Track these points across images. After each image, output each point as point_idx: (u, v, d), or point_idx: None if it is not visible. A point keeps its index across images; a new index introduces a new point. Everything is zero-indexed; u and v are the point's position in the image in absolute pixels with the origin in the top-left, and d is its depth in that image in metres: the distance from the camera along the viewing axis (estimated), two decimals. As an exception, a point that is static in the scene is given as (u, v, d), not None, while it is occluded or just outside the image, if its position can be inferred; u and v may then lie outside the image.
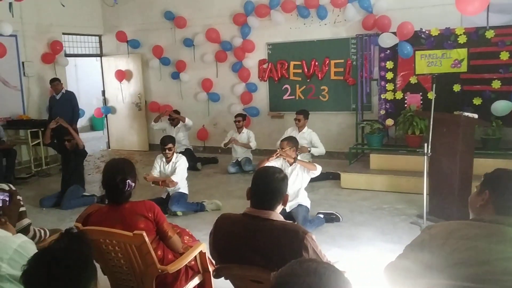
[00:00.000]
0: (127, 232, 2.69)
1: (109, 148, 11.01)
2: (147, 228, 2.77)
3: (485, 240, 1.89)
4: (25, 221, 3.11)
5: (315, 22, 8.44)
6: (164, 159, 5.92)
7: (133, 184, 2.83)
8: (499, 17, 6.91)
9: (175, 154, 5.96)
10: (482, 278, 1.83)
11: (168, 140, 5.92)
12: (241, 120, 8.11)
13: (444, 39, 6.86)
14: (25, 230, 3.04)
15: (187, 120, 8.41)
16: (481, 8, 3.95)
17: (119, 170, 2.83)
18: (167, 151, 5.82)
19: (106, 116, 10.98)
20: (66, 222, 5.59)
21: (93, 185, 7.27)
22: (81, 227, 2.78)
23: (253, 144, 7.95)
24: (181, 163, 5.88)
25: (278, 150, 5.20)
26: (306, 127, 7.31)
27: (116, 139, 10.94)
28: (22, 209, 3.08)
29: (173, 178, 5.76)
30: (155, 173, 5.94)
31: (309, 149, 7.03)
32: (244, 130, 8.15)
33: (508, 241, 1.87)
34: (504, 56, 6.53)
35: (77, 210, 5.69)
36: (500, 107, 6.51)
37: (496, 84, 6.63)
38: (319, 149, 7.09)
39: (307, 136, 7.24)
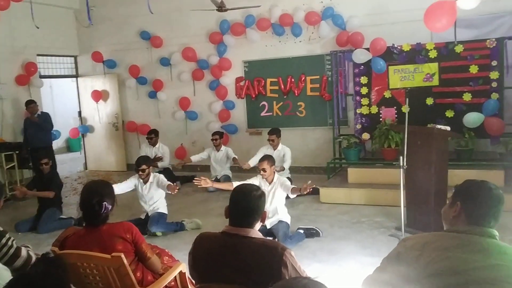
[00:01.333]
0: (105, 254, 2.66)
1: (87, 169, 10.86)
2: (126, 250, 2.74)
3: (459, 250, 1.93)
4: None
5: (290, 40, 8.58)
6: (141, 180, 5.86)
7: (110, 207, 2.81)
8: (467, 32, 7.16)
9: (152, 174, 5.90)
10: (458, 288, 1.87)
11: (142, 161, 5.81)
12: (218, 138, 8.14)
13: (416, 54, 7.04)
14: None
15: (162, 163, 8.41)
16: (448, 25, 4.09)
17: (96, 192, 2.80)
18: (140, 172, 5.74)
19: (83, 136, 10.86)
20: (43, 246, 5.47)
21: (71, 207, 7.15)
22: (57, 251, 2.74)
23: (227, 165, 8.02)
24: (160, 177, 5.82)
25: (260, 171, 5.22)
26: (280, 144, 7.38)
27: (93, 160, 10.81)
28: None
29: (154, 194, 5.75)
30: (122, 188, 5.81)
31: (283, 167, 7.20)
32: (223, 147, 8.17)
33: (482, 250, 1.92)
34: (474, 69, 6.73)
35: (54, 234, 5.57)
36: (471, 119, 6.67)
37: (467, 97, 6.81)
38: (287, 163, 7.28)
39: (281, 153, 7.34)
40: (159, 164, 8.39)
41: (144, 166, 5.72)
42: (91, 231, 2.82)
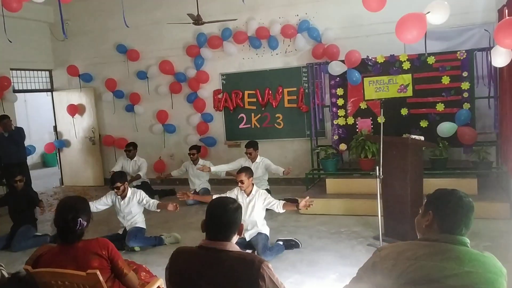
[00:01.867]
0: (80, 272, 2.62)
1: (63, 184, 10.67)
2: (101, 267, 2.70)
3: (432, 258, 1.97)
4: None
5: (267, 52, 8.66)
6: (118, 196, 5.79)
7: (85, 223, 2.77)
8: (438, 44, 7.35)
9: (130, 189, 5.82)
10: (432, 296, 1.91)
11: (117, 178, 5.68)
12: (196, 152, 8.11)
13: (390, 66, 7.18)
14: None
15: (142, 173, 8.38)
16: (419, 36, 4.19)
17: (70, 209, 2.76)
18: (115, 190, 5.66)
19: (59, 151, 10.69)
20: (17, 264, 5.34)
21: (46, 224, 7.00)
22: (31, 269, 2.68)
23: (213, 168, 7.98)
24: (141, 194, 5.77)
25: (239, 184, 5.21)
26: (258, 156, 7.41)
27: (69, 175, 10.63)
28: None
29: (133, 209, 5.68)
30: (99, 206, 5.78)
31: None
32: (200, 161, 8.14)
33: (454, 258, 1.96)
34: (446, 80, 6.89)
35: (29, 252, 5.43)
36: (445, 128, 6.82)
37: (440, 107, 6.96)
38: (278, 168, 7.27)
39: (261, 165, 7.36)
40: (142, 175, 8.35)
41: (118, 184, 5.61)
42: (66, 248, 2.77)
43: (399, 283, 1.96)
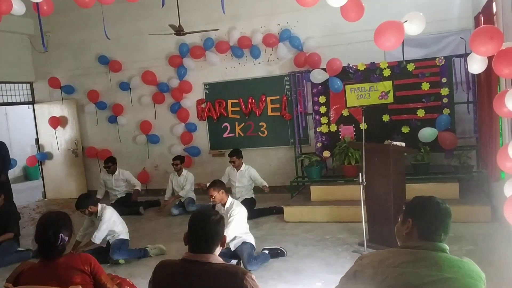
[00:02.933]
0: (62, 288, 2.59)
1: (46, 197, 10.53)
2: (84, 282, 2.67)
3: (412, 266, 2.00)
4: None
5: (250, 61, 8.70)
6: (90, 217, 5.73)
7: (66, 238, 2.74)
8: (418, 51, 7.48)
9: (100, 208, 5.64)
10: (412, 303, 1.93)
11: (80, 204, 5.49)
12: (179, 163, 8.09)
13: (370, 73, 7.27)
14: None
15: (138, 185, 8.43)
16: (397, 44, 4.26)
17: (51, 224, 2.74)
18: (82, 214, 5.60)
19: (41, 164, 10.55)
20: (-2, 281, 5.25)
21: (29, 239, 6.88)
22: (11, 287, 2.64)
23: (185, 191, 7.97)
24: (104, 216, 5.58)
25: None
26: (243, 164, 7.42)
27: (52, 188, 10.49)
28: None
29: (97, 233, 5.55)
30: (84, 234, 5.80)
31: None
32: (184, 171, 8.11)
33: (434, 264, 2.00)
34: (425, 86, 7.00)
35: (11, 267, 5.34)
36: (426, 134, 6.92)
37: (421, 113, 7.06)
38: (262, 182, 7.39)
39: (246, 173, 7.40)
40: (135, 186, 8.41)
41: (81, 210, 5.50)
42: (47, 265, 2.73)
43: (380, 291, 1.99)
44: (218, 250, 2.36)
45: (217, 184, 5.26)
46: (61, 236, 2.70)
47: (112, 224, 5.65)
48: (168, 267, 2.35)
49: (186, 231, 2.37)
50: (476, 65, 4.05)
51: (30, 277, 2.72)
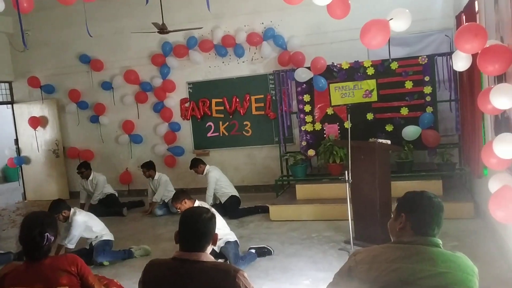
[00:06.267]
0: (48, 290, 2.52)
1: (26, 199, 10.32)
2: (71, 284, 2.61)
3: (406, 261, 2.00)
4: None
5: (233, 60, 8.67)
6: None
7: (52, 238, 2.67)
8: (401, 50, 7.54)
9: (71, 213, 5.45)
10: (407, 298, 1.93)
11: (53, 209, 5.26)
12: (145, 170, 7.98)
13: (355, 72, 7.31)
14: None
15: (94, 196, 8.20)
16: (383, 43, 4.28)
17: (36, 223, 2.66)
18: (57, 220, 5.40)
19: (20, 166, 10.34)
20: (-22, 285, 5.11)
21: (9, 241, 6.76)
22: (-5, 290, 2.57)
23: (158, 195, 7.87)
24: (74, 221, 5.41)
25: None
26: (206, 168, 7.40)
27: (33, 189, 10.29)
28: None
29: (67, 237, 5.40)
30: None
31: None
32: (157, 175, 7.97)
33: (428, 259, 2.00)
34: (409, 85, 7.07)
35: (-9, 271, 5.23)
36: (410, 132, 6.99)
37: (404, 111, 7.13)
38: (208, 192, 7.30)
39: (207, 177, 7.36)
40: (95, 195, 8.15)
41: (54, 215, 5.08)
42: (33, 266, 2.66)
43: (375, 287, 1.98)
44: (210, 248, 2.33)
45: (177, 196, 5.19)
46: (47, 235, 2.63)
47: (85, 228, 5.51)
48: (158, 266, 2.31)
49: (177, 230, 2.33)
50: (461, 62, 4.09)
51: (14, 279, 2.63)
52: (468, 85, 5.76)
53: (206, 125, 9.00)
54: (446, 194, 6.38)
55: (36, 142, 10.02)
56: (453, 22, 7.19)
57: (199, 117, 8.98)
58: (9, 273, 2.70)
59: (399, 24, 4.20)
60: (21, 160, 10.17)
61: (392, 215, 2.24)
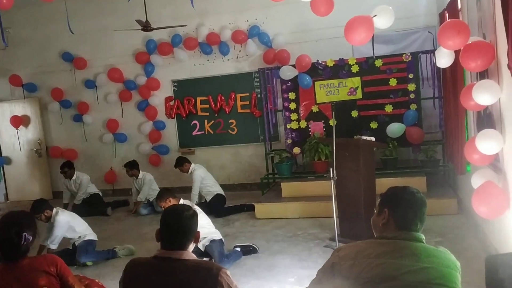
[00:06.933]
0: (27, 290, 2.47)
1: (7, 200, 10.15)
2: (50, 284, 2.56)
3: (389, 256, 1.99)
4: None
5: (218, 58, 8.62)
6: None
7: (30, 238, 2.61)
8: (385, 48, 7.57)
9: (54, 213, 5.33)
10: (392, 293, 1.92)
11: (35, 209, 5.14)
12: (129, 170, 7.92)
13: (339, 69, 7.32)
14: None
15: (78, 196, 8.10)
16: (366, 39, 4.28)
17: (14, 223, 2.60)
18: (39, 220, 5.20)
19: (2, 166, 10.16)
20: (-43, 287, 5.00)
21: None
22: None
23: (142, 194, 7.80)
24: (56, 221, 5.30)
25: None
26: (191, 167, 7.37)
27: (15, 189, 10.13)
28: None
29: (49, 237, 5.29)
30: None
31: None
32: (141, 174, 7.90)
33: (411, 254, 1.99)
34: (393, 82, 7.10)
35: (-30, 273, 5.12)
36: (394, 129, 7.02)
37: (389, 108, 7.16)
38: (193, 190, 7.28)
39: (192, 176, 7.34)
40: (78, 195, 8.06)
41: (36, 216, 5.03)
42: (10, 267, 2.59)
43: (358, 283, 1.97)
44: (192, 246, 2.30)
45: (161, 195, 5.16)
46: (25, 235, 2.56)
47: (68, 228, 5.42)
48: (139, 265, 2.27)
49: (158, 228, 2.29)
50: (444, 59, 4.11)
51: (-9, 280, 2.58)
52: (451, 82, 5.80)
53: (191, 124, 8.94)
54: (430, 190, 6.42)
55: (18, 142, 9.86)
56: (436, 19, 7.25)
57: (184, 115, 8.91)
58: (-14, 274, 2.63)
59: (383, 21, 4.22)
60: (1, 160, 9.99)
61: (375, 211, 2.23)
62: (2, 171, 10.28)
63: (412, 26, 7.56)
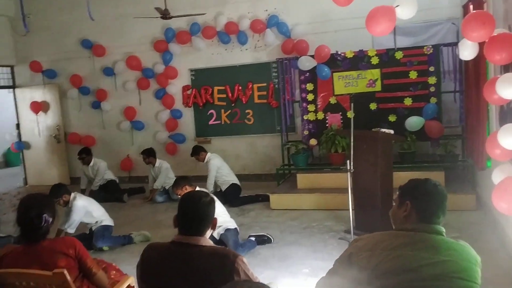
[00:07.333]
0: (46, 272, 2.50)
1: (27, 184, 10.32)
2: (69, 266, 2.59)
3: (409, 248, 1.96)
4: None
5: (236, 48, 8.59)
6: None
7: (50, 220, 2.65)
8: (406, 40, 7.46)
9: (72, 197, 5.40)
10: (409, 285, 1.90)
11: (53, 194, 5.14)
12: (146, 157, 7.97)
13: (359, 61, 7.23)
14: None
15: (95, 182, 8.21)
16: (388, 30, 4.21)
17: (34, 205, 2.63)
18: (57, 204, 5.22)
19: (21, 151, 10.33)
20: (-22, 268, 5.11)
21: (9, 225, 6.74)
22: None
23: (159, 182, 7.85)
24: (74, 206, 5.36)
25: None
26: (207, 156, 7.38)
27: (34, 174, 10.29)
28: None
29: (67, 222, 5.35)
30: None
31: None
32: (158, 162, 7.96)
33: (430, 247, 1.96)
34: (413, 75, 6.99)
35: (-10, 254, 5.23)
36: (413, 122, 6.93)
37: (408, 102, 7.06)
38: (208, 180, 7.27)
39: (208, 165, 7.34)
40: (95, 181, 8.16)
41: (54, 200, 4.86)
42: (30, 248, 2.64)
43: (375, 274, 1.95)
44: (209, 233, 2.30)
45: (178, 183, 5.23)
46: (45, 217, 2.60)
47: (85, 213, 5.48)
48: (157, 250, 2.28)
49: (176, 214, 2.30)
50: (467, 51, 4.03)
51: (12, 260, 2.62)
52: (474, 75, 5.69)
53: (208, 113, 8.95)
54: (448, 185, 6.31)
55: (38, 127, 9.99)
56: (459, 11, 7.09)
57: (201, 104, 8.92)
58: (7, 254, 2.68)
59: (405, 11, 4.14)
60: (21, 145, 10.15)
61: (394, 203, 2.20)
62: (21, 156, 10.45)
63: (434, 17, 7.41)
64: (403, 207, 2.11)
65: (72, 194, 5.42)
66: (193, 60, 8.91)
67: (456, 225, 5.26)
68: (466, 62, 6.04)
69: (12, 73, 10.22)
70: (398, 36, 7.06)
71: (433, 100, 6.94)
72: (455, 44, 6.59)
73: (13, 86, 10.25)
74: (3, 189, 9.63)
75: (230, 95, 8.70)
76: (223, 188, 7.31)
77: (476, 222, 5.44)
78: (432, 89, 6.95)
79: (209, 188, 7.15)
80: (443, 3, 7.37)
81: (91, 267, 2.74)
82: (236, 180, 7.41)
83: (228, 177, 7.37)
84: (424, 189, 2.10)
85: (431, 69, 6.92)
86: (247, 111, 8.70)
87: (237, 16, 8.45)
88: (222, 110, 8.85)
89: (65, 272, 2.50)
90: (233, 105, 8.75)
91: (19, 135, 10.29)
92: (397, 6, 4.13)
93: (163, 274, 2.19)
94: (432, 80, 6.93)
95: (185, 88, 9.04)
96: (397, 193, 2.22)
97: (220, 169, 7.33)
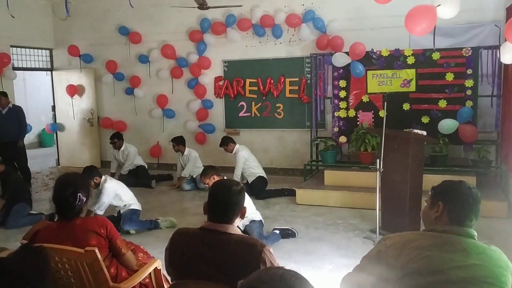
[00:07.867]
0: (78, 249, 2.58)
1: (59, 165, 10.61)
2: (100, 245, 2.66)
3: (438, 249, 1.94)
4: None
5: (271, 41, 8.58)
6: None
7: (84, 199, 2.73)
8: (444, 41, 7.29)
9: (102, 180, 5.52)
10: (435, 287, 1.88)
11: (85, 175, 5.11)
12: (175, 145, 8.06)
13: (394, 60, 7.12)
14: None
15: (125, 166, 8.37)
16: (428, 29, 4.15)
17: (70, 184, 2.72)
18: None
19: (56, 132, 10.62)
20: (11, 242, 5.31)
21: (41, 203, 6.98)
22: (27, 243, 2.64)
23: (186, 171, 7.93)
24: (104, 188, 5.49)
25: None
26: (235, 147, 7.43)
27: (66, 156, 10.56)
28: None
29: (97, 203, 5.48)
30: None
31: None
32: (186, 151, 8.04)
33: (461, 250, 1.93)
34: (449, 77, 6.85)
35: (23, 230, 5.39)
36: (446, 125, 6.79)
37: (443, 104, 6.92)
38: (236, 171, 7.32)
39: (236, 156, 7.41)
40: (125, 165, 8.33)
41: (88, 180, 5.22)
42: (64, 225, 2.73)
43: (403, 273, 1.93)
44: (238, 221, 2.33)
45: (206, 172, 5.33)
46: (79, 196, 2.68)
47: (115, 196, 5.62)
48: (186, 235, 2.33)
49: (206, 201, 2.33)
50: (509, 54, 3.93)
51: (46, 236, 2.71)
52: (513, 80, 5.54)
53: (239, 105, 8.99)
54: (479, 191, 6.15)
55: (72, 110, 10.24)
56: (503, 14, 6.90)
57: (232, 96, 8.97)
58: (41, 229, 2.78)
59: (447, 11, 4.06)
60: (55, 126, 10.43)
61: (426, 204, 2.18)
62: (55, 137, 10.75)
63: (476, 19, 7.21)
64: (435, 208, 2.09)
65: (103, 177, 5.56)
66: (227, 52, 8.95)
67: (486, 232, 5.12)
68: (506, 66, 5.88)
69: (51, 56, 10.49)
70: (437, 37, 6.89)
71: (468, 103, 6.78)
72: (496, 47, 6.41)
73: (51, 69, 10.53)
74: (36, 168, 9.92)
75: (261, 88, 8.71)
76: (250, 180, 7.35)
77: (507, 230, 5.31)
78: (469, 92, 6.78)
79: (236, 179, 7.20)
80: (487, 4, 7.17)
81: (121, 247, 2.82)
82: (263, 173, 7.43)
83: (255, 170, 7.40)
84: (458, 191, 2.07)
85: (469, 71, 6.75)
86: (277, 104, 8.70)
87: (273, 10, 8.43)
88: (253, 103, 8.87)
89: (97, 250, 2.57)
90: (264, 98, 8.76)
91: (54, 117, 10.58)
92: (439, 5, 4.05)
93: (191, 258, 2.23)
94: (469, 83, 6.77)
95: (217, 79, 9.09)
96: (430, 193, 2.19)
97: (247, 161, 7.37)
